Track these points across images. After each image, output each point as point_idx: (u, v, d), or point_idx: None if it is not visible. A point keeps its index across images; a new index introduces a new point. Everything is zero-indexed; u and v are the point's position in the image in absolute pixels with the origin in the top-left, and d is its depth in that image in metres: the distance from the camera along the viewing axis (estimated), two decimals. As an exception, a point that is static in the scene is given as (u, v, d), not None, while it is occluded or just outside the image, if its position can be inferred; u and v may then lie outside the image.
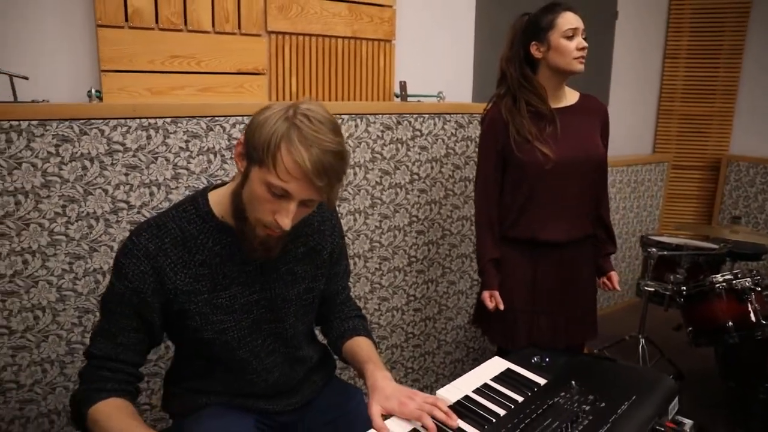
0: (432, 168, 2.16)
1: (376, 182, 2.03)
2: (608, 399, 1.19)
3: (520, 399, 1.22)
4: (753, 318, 2.05)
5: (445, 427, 1.08)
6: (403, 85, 2.36)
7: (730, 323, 2.07)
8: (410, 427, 1.11)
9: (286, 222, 1.00)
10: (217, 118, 1.69)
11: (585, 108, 1.76)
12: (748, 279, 2.09)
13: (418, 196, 2.14)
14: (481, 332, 2.01)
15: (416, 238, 2.18)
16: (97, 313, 1.62)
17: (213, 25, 2.09)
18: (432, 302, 2.29)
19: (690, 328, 2.21)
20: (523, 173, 1.71)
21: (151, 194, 1.64)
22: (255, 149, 0.98)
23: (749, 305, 2.05)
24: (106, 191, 1.58)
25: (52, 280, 1.56)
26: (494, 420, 1.13)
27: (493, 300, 1.76)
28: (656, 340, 2.64)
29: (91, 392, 1.07)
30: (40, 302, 1.56)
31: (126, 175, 1.60)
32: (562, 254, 1.78)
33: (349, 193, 1.98)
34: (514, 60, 1.72)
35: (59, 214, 1.53)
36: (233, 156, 1.07)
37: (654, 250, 2.42)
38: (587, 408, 1.16)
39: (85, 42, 1.86)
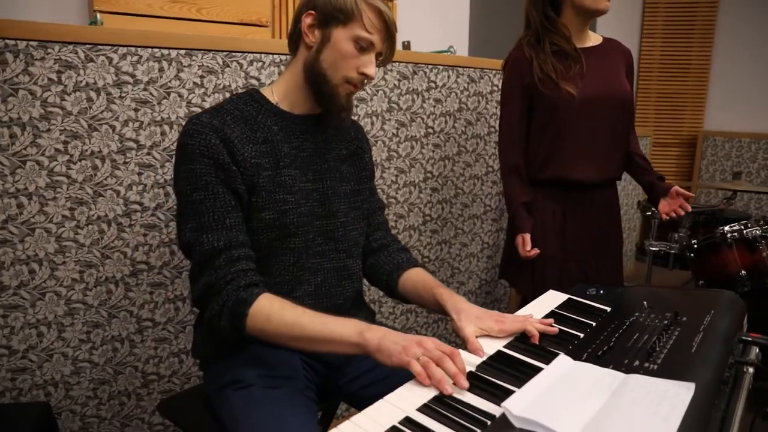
0: (446, 122, 2.08)
1: (393, 134, 1.94)
2: (687, 314, 1.13)
3: (593, 323, 1.15)
4: (766, 265, 2.07)
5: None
6: (406, 45, 2.29)
7: (743, 272, 2.09)
8: (503, 343, 1.03)
9: (372, 70, 1.09)
10: (234, 54, 1.56)
11: (609, 49, 1.74)
12: (758, 228, 2.12)
13: (433, 151, 2.06)
14: (508, 284, 1.93)
15: (431, 195, 2.09)
16: (101, 266, 1.44)
17: (214, -31, 1.95)
18: (445, 264, 2.20)
19: (702, 282, 2.22)
20: (550, 113, 1.66)
21: (163, 134, 1.48)
22: (337, 11, 1.06)
23: (761, 253, 2.07)
24: (113, 128, 1.41)
25: (51, 228, 1.38)
26: (576, 342, 1.05)
27: (526, 245, 1.69)
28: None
29: (240, 291, 1.00)
30: (36, 254, 1.37)
31: (135, 110, 1.44)
32: (591, 198, 1.74)
33: (366, 144, 1.88)
34: (536, 3, 1.67)
35: (60, 152, 1.36)
36: (302, 30, 1.09)
37: (657, 210, 2.42)
38: (670, 322, 1.09)
39: (75, -22, 1.69)
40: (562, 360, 0.95)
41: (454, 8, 2.63)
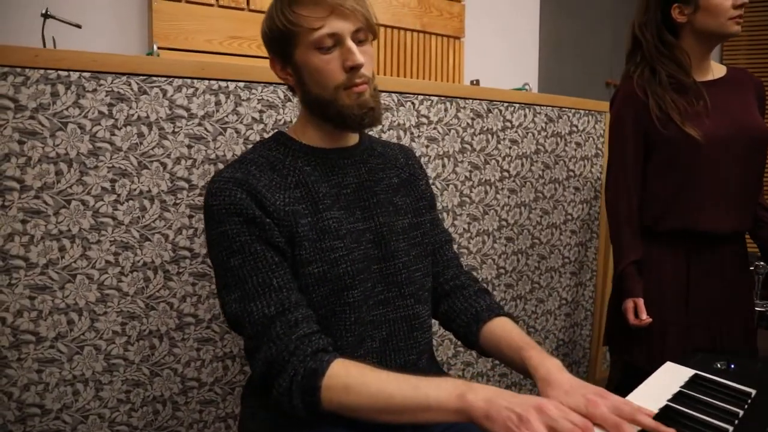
0: (522, 165, 1.89)
1: (466, 177, 1.76)
2: None
3: (739, 411, 0.89)
4: None
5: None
6: (474, 83, 2.14)
7: None
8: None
9: (356, 57, 0.93)
10: (295, 87, 1.43)
11: (736, 81, 1.49)
12: None
13: (508, 197, 1.86)
14: (616, 352, 1.65)
15: (505, 246, 1.88)
16: (145, 318, 1.30)
17: (276, 6, 1.88)
18: (520, 323, 1.96)
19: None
20: (673, 156, 1.43)
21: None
22: (281, 39, 0.96)
23: None
24: (164, 165, 1.30)
25: (93, 274, 1.25)
26: (725, 437, 0.80)
27: (637, 311, 1.44)
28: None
29: (308, 361, 0.84)
30: (76, 302, 1.24)
31: (189, 147, 1.32)
32: (721, 252, 1.47)
33: (437, 189, 1.70)
34: (649, 25, 1.47)
35: (107, 191, 1.24)
36: (280, 77, 1.03)
37: (762, 263, 2.11)
38: None
39: (138, 15, 1.63)
40: (725, 469, 0.71)
41: (524, 47, 2.50)
